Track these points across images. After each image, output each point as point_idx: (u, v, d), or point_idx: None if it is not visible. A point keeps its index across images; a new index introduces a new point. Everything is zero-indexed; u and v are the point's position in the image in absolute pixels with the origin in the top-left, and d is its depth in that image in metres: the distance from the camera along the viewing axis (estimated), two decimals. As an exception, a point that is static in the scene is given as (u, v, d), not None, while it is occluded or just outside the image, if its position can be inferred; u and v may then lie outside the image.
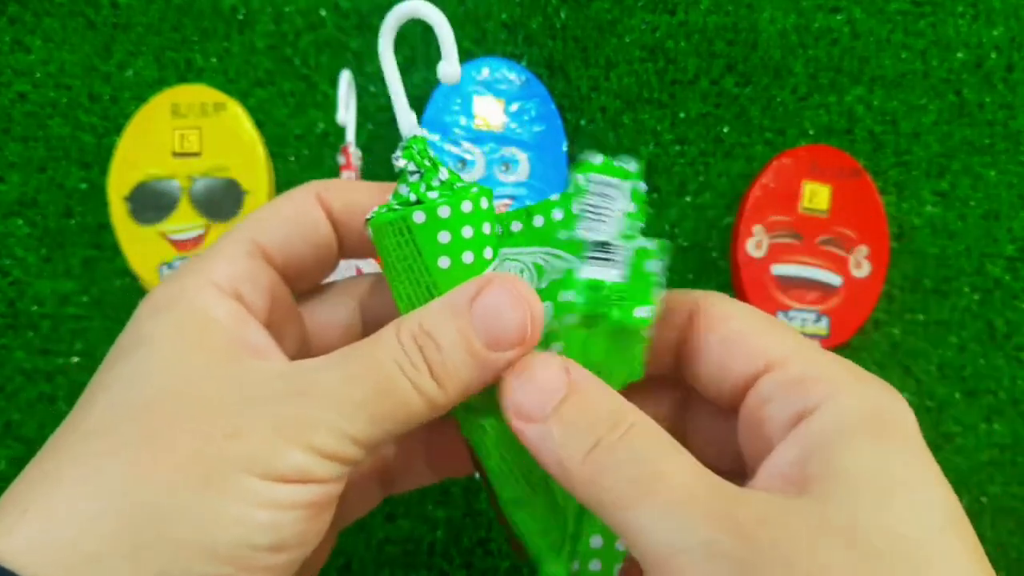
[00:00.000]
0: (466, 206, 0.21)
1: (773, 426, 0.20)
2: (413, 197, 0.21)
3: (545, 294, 0.21)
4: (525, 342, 0.20)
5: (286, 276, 0.24)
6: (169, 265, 0.43)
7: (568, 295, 0.21)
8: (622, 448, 0.19)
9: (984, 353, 0.45)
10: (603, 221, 0.22)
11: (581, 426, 0.19)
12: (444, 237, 0.21)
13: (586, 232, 0.22)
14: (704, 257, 0.46)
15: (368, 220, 0.22)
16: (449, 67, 0.24)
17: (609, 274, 0.21)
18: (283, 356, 0.22)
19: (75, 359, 0.44)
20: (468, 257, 0.21)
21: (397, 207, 0.21)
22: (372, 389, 0.19)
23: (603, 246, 0.22)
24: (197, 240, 0.43)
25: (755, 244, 0.44)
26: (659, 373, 0.23)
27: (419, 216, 0.21)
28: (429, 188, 0.22)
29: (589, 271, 0.21)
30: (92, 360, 0.44)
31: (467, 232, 0.21)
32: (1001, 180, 0.46)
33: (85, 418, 0.19)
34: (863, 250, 0.44)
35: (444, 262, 0.21)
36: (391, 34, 0.23)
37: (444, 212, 0.21)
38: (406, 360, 0.20)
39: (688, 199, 0.46)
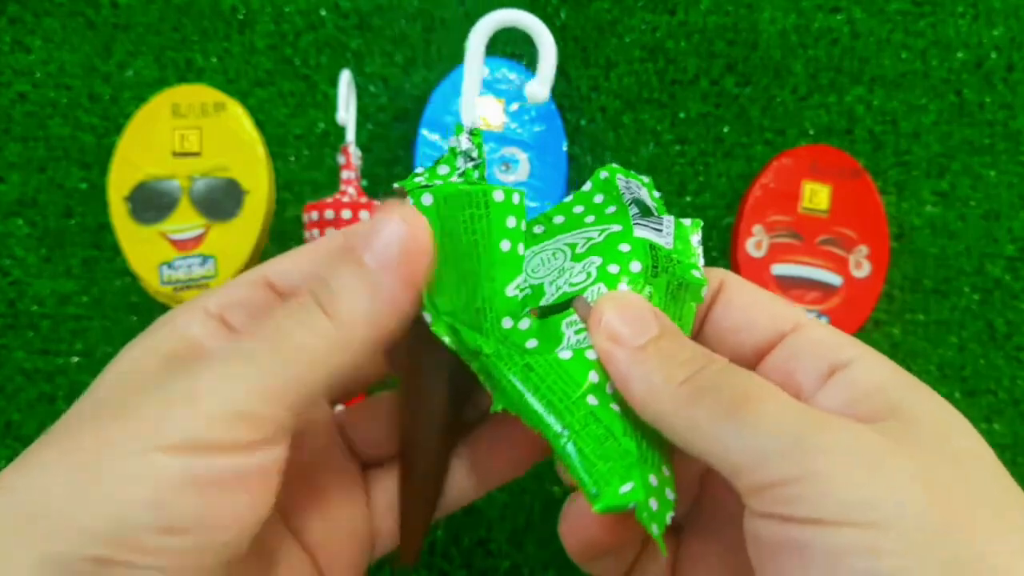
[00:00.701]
0: (516, 198, 0.22)
1: (805, 377, 0.21)
2: (457, 179, 0.22)
3: (597, 250, 0.21)
4: (409, 253, 0.20)
5: None
6: (169, 265, 0.43)
7: (625, 246, 0.21)
8: (722, 376, 0.19)
9: (984, 353, 0.45)
10: (640, 198, 0.23)
11: (680, 357, 0.20)
12: (511, 222, 0.22)
13: (630, 198, 0.22)
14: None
15: (417, 187, 0.21)
16: (542, 88, 0.23)
17: (661, 239, 0.22)
18: None
19: (75, 359, 0.44)
20: (520, 247, 0.22)
21: (459, 180, 0.21)
22: (265, 341, 0.19)
23: (649, 214, 0.22)
24: (197, 240, 0.43)
25: (755, 244, 0.44)
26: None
27: (498, 195, 0.21)
28: (481, 178, 0.22)
29: (642, 232, 0.21)
30: (92, 360, 0.44)
31: (521, 223, 0.22)
32: (1001, 180, 0.46)
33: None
34: (863, 250, 0.44)
35: (505, 245, 0.21)
36: (487, 35, 0.22)
37: (516, 198, 0.21)
38: (298, 308, 0.19)
39: (688, 199, 0.46)
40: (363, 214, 0.41)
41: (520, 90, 0.45)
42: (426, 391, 0.23)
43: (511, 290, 0.22)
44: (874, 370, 0.20)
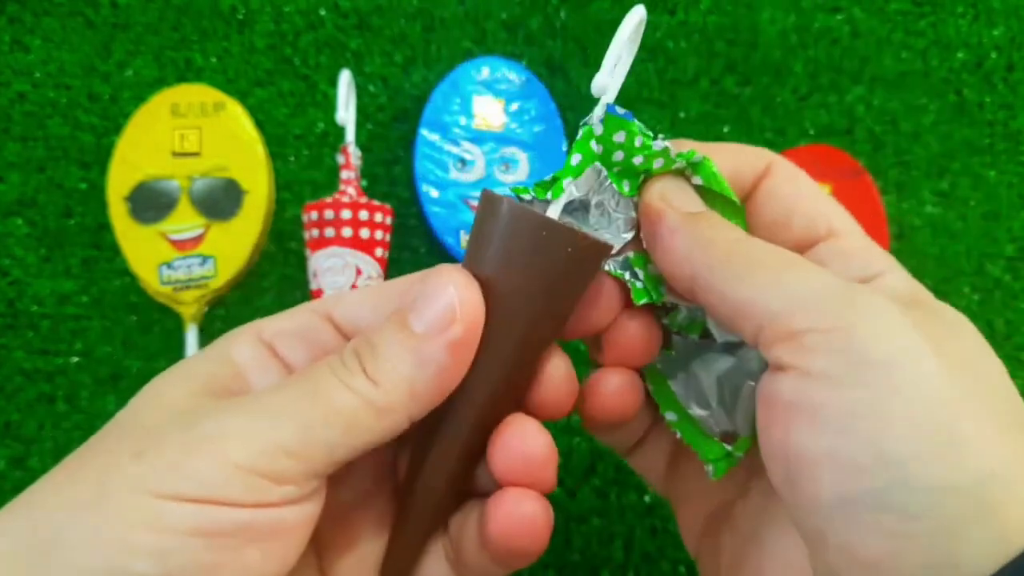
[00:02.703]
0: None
1: None
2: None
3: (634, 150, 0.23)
4: (456, 321, 0.19)
5: None
6: (168, 265, 0.42)
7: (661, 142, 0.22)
8: (760, 244, 0.20)
9: (984, 353, 0.45)
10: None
11: (726, 227, 0.21)
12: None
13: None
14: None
15: (693, 162, 0.22)
16: (603, 80, 0.23)
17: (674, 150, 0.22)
18: None
19: (75, 359, 0.44)
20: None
21: (679, 160, 0.22)
22: (300, 394, 0.18)
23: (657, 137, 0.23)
24: (197, 240, 0.43)
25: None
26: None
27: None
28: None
29: (660, 144, 0.22)
30: (92, 360, 0.44)
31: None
32: (1001, 180, 0.46)
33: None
34: (863, 250, 0.44)
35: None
36: (638, 30, 0.22)
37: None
38: (340, 366, 0.19)
39: (688, 199, 0.46)
40: (362, 214, 0.41)
41: (521, 90, 0.45)
42: (446, 433, 0.21)
43: None
44: (900, 284, 0.20)
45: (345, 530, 0.23)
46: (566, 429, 0.44)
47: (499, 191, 0.21)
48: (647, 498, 0.44)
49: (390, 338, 0.19)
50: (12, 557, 0.16)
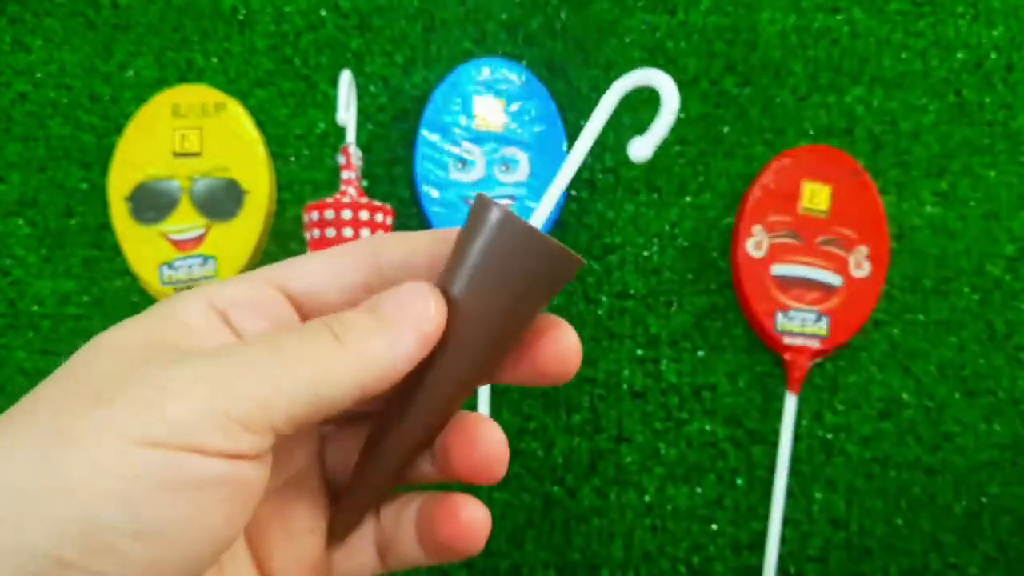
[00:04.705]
0: None
1: None
2: None
3: None
4: (430, 321, 0.20)
5: (312, 316, 0.22)
6: (169, 265, 0.43)
7: None
8: None
9: (984, 353, 0.45)
10: None
11: None
12: None
13: None
14: (704, 257, 0.46)
15: None
16: (646, 147, 0.23)
17: None
18: None
19: (75, 359, 0.44)
20: None
21: None
22: (266, 349, 0.18)
23: None
24: (197, 240, 0.43)
25: (755, 244, 0.44)
26: None
27: None
28: None
29: None
30: (92, 360, 0.44)
31: None
32: (1001, 180, 0.46)
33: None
34: (863, 250, 0.44)
35: None
36: (618, 97, 0.23)
37: None
38: (308, 330, 0.19)
39: (688, 199, 0.46)
40: (363, 215, 0.41)
41: (521, 90, 0.45)
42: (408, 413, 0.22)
43: None
44: None
45: (280, 515, 0.23)
46: (566, 429, 0.44)
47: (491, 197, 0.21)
48: (647, 498, 0.44)
49: (360, 313, 0.20)
50: None
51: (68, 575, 0.15)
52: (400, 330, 0.19)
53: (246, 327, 0.20)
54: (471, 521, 0.23)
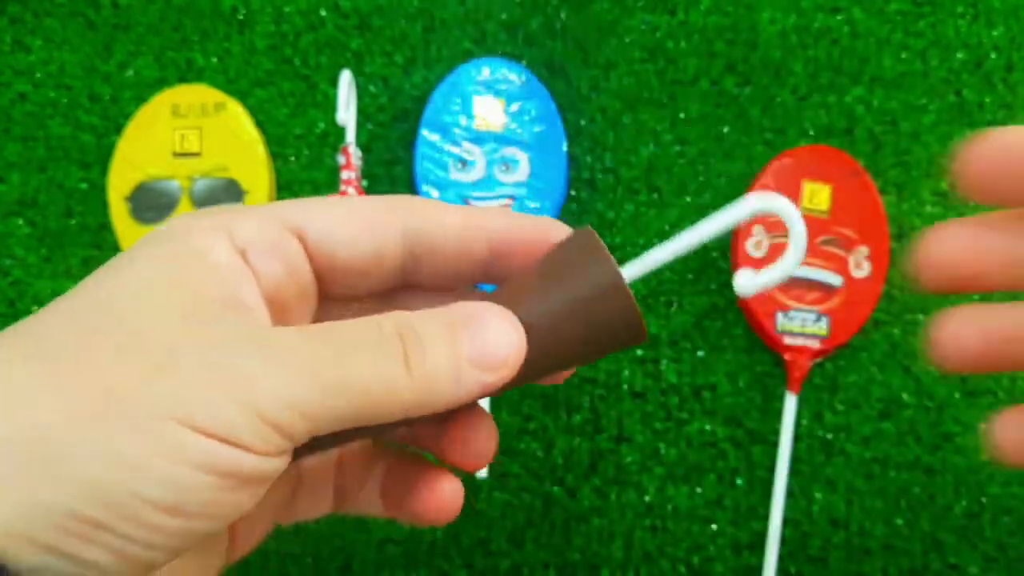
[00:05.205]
0: None
1: None
2: None
3: None
4: (507, 368, 0.19)
5: (324, 273, 0.21)
6: (169, 265, 0.43)
7: None
8: None
9: (984, 353, 0.45)
10: None
11: None
12: None
13: None
14: (704, 257, 0.46)
15: None
16: (750, 286, 0.21)
17: None
18: (268, 322, 0.20)
19: (75, 359, 0.44)
20: None
21: None
22: (336, 359, 0.17)
23: None
24: (197, 240, 0.43)
25: (755, 244, 0.44)
26: None
27: None
28: None
29: None
30: (92, 360, 0.44)
31: None
32: (1001, 180, 0.46)
33: (32, 319, 0.17)
34: (863, 250, 0.44)
35: None
36: (741, 218, 0.20)
37: None
38: (382, 343, 0.18)
39: (688, 199, 0.46)
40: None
41: (521, 90, 0.45)
42: None
43: None
44: None
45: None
46: (566, 429, 0.44)
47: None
48: (647, 498, 0.44)
49: (441, 345, 0.19)
50: (2, 456, 0.15)
51: (94, 534, 0.15)
52: (473, 374, 0.19)
53: (263, 270, 0.20)
54: (450, 498, 0.23)
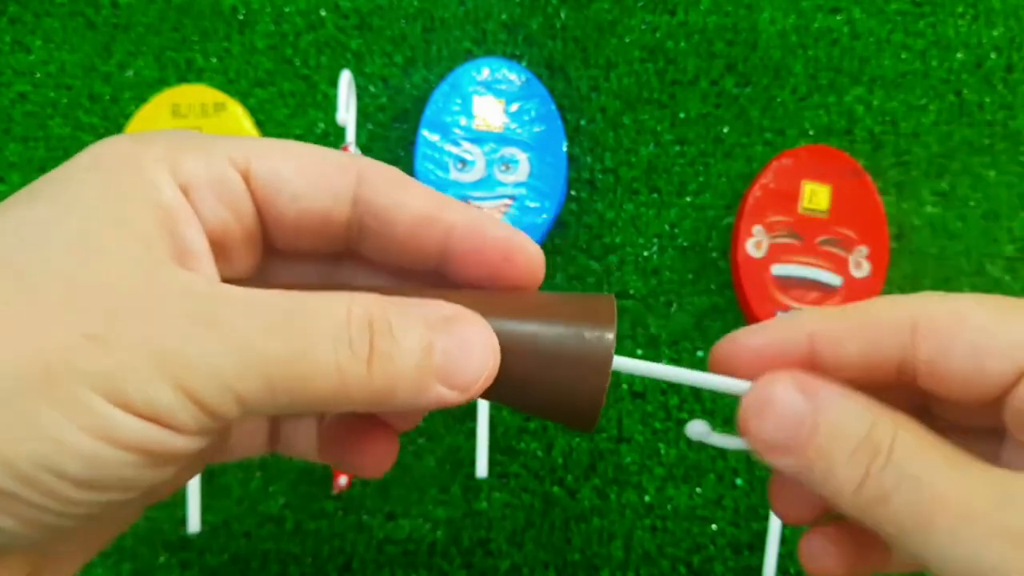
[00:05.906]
0: None
1: None
2: None
3: None
4: (470, 392, 0.18)
5: (268, 222, 0.20)
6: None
7: None
8: (891, 474, 0.17)
9: (984, 353, 0.45)
10: None
11: (841, 458, 0.18)
12: None
13: None
14: (704, 257, 0.46)
15: None
16: (702, 434, 0.22)
17: None
18: (214, 274, 0.19)
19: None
20: None
21: None
22: (286, 349, 0.16)
23: None
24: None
25: (755, 244, 0.44)
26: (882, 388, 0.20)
27: None
28: None
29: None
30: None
31: None
32: (1001, 180, 0.46)
33: None
34: (863, 250, 0.44)
35: None
36: (731, 391, 0.21)
37: None
38: (344, 336, 0.17)
39: (688, 199, 0.46)
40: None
41: (521, 90, 0.45)
42: None
43: None
44: None
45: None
46: (566, 429, 0.44)
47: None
48: (647, 498, 0.44)
49: (409, 350, 0.17)
50: None
51: (4, 503, 0.15)
52: (437, 389, 0.18)
53: (208, 211, 0.19)
54: (385, 453, 0.23)
